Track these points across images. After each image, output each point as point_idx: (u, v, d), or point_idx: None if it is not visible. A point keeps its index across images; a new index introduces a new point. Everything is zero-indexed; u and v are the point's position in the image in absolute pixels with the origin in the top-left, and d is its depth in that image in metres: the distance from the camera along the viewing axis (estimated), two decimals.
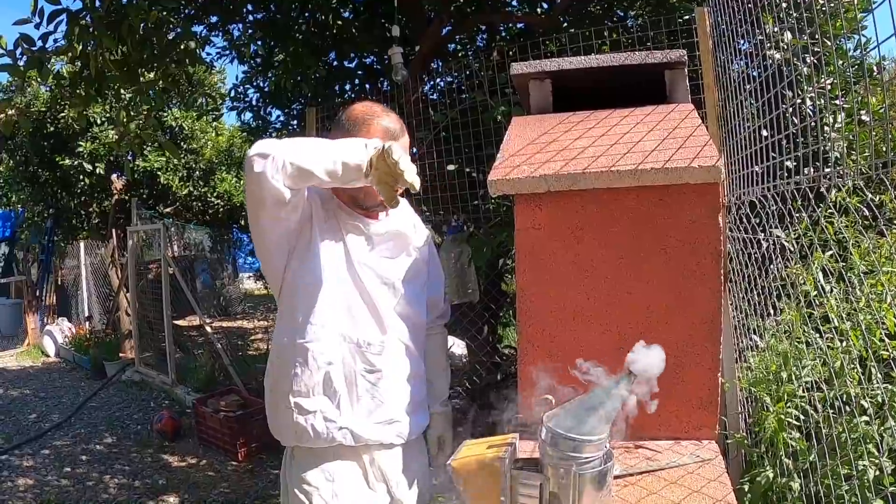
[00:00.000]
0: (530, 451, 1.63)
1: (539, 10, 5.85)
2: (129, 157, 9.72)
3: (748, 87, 2.60)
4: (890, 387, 1.89)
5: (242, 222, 12.32)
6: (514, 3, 6.04)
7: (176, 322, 7.75)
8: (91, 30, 3.74)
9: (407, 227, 1.99)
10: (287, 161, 1.60)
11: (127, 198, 9.62)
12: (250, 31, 5.71)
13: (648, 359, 1.31)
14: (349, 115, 1.91)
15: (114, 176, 10.05)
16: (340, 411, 1.80)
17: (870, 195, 1.91)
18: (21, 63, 3.70)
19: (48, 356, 9.73)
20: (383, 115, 1.90)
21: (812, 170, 2.16)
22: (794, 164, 2.30)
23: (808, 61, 2.37)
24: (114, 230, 9.60)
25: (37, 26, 3.69)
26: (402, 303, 1.92)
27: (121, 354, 8.64)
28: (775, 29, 2.60)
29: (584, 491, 1.28)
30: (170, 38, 4.13)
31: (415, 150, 4.08)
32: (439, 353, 2.15)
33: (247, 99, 6.30)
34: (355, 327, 1.83)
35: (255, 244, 1.88)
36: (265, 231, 1.80)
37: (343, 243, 1.86)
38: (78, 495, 4.65)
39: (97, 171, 9.61)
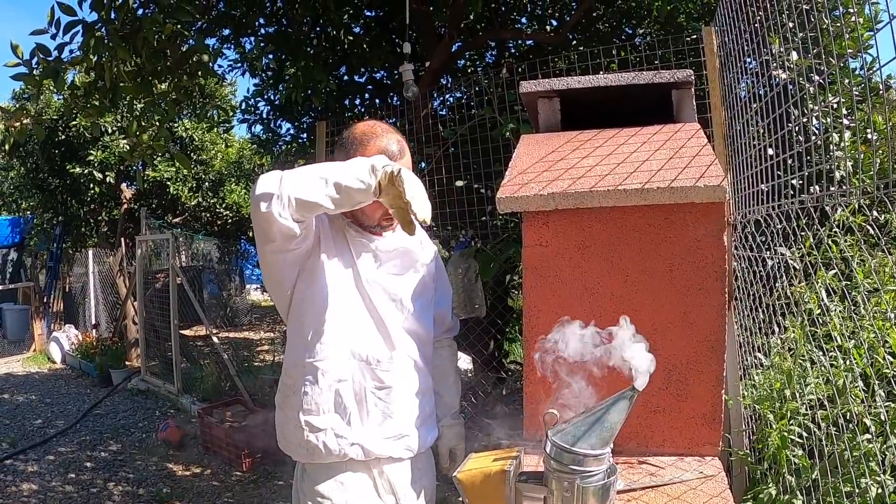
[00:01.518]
0: (535, 464, 1.65)
1: (548, 27, 5.91)
2: (140, 167, 9.81)
3: (755, 106, 2.62)
4: (892, 405, 1.90)
5: (250, 234, 12.39)
6: (524, 20, 6.10)
7: (182, 332, 7.78)
8: (106, 41, 3.80)
9: (414, 243, 1.99)
10: (292, 197, 1.59)
11: (136, 207, 9.71)
12: (262, 44, 5.78)
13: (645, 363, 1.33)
14: (351, 133, 1.91)
15: (123, 185, 10.13)
16: (351, 427, 1.82)
17: (875, 213, 1.93)
18: (37, 72, 3.76)
19: (54, 362, 9.77)
20: (382, 135, 1.87)
21: (818, 188, 2.18)
22: (800, 182, 2.32)
23: (815, 80, 2.40)
24: (122, 239, 9.67)
25: (53, 37, 3.75)
26: (409, 319, 1.93)
27: (127, 362, 8.68)
28: (781, 49, 2.63)
29: None
30: (183, 50, 4.19)
31: (423, 164, 4.12)
32: (448, 366, 2.16)
33: (257, 111, 6.37)
34: (364, 344, 1.85)
35: (262, 272, 1.89)
36: (275, 262, 1.80)
37: (351, 260, 1.87)
38: (82, 502, 4.67)
39: (107, 179, 9.69)
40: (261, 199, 1.61)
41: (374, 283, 1.88)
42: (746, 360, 2.64)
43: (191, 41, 4.36)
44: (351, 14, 5.58)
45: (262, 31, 5.74)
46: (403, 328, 1.91)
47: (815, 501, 1.91)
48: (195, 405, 6.64)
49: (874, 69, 2.57)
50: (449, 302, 2.17)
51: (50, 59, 3.76)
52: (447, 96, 5.49)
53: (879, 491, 1.76)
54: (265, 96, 6.33)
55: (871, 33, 2.63)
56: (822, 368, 2.07)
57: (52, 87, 4.05)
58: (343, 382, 1.81)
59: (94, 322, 10.51)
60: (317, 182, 1.61)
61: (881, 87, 2.61)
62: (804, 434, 2.04)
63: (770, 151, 2.35)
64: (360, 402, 1.83)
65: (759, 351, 2.54)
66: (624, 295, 1.77)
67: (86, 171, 9.54)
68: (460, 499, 1.47)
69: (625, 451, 1.81)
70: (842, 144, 2.67)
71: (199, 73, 4.35)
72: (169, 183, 10.34)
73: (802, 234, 2.13)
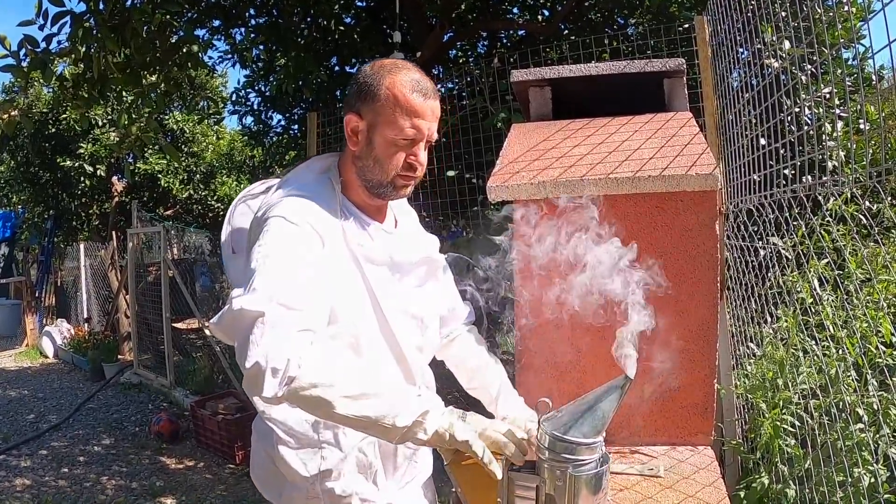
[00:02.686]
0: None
1: (540, 17, 5.89)
2: (130, 160, 9.76)
3: (747, 95, 2.62)
4: (885, 394, 1.90)
5: None
6: (516, 10, 6.08)
7: (175, 325, 7.74)
8: (94, 32, 3.77)
9: (429, 243, 1.73)
10: (306, 405, 1.26)
11: (127, 200, 9.65)
12: (252, 35, 5.75)
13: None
14: (375, 64, 1.51)
15: (114, 178, 10.08)
16: (378, 487, 1.59)
17: (867, 203, 1.93)
18: (24, 64, 3.73)
19: (47, 357, 9.72)
20: (413, 69, 1.52)
21: (809, 178, 2.18)
22: (792, 172, 2.31)
23: (808, 69, 2.39)
24: (114, 232, 9.61)
25: (41, 28, 3.72)
26: (425, 337, 1.66)
27: (119, 356, 8.65)
28: (774, 38, 2.62)
29: (580, 493, 1.29)
30: (172, 41, 4.16)
31: None
32: (481, 349, 1.83)
33: (248, 103, 6.35)
34: None
35: None
36: None
37: (368, 294, 1.52)
38: (75, 496, 4.65)
39: (98, 172, 9.64)
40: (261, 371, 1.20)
41: (392, 305, 1.55)
42: (739, 349, 2.64)
43: (180, 32, 4.33)
44: (342, 4, 5.55)
45: (253, 21, 5.71)
46: (418, 349, 1.63)
47: (807, 491, 1.92)
48: (188, 398, 6.62)
49: (867, 58, 2.56)
50: (456, 292, 1.85)
51: (38, 50, 3.73)
52: (438, 86, 5.46)
53: (872, 480, 1.76)
54: (256, 87, 6.32)
55: (864, 23, 2.63)
56: (815, 358, 2.07)
57: (41, 80, 4.01)
58: (366, 440, 1.55)
59: (86, 316, 10.46)
60: (344, 407, 1.25)
61: (874, 77, 2.60)
62: (797, 423, 2.04)
63: (762, 141, 2.34)
64: (387, 458, 1.61)
65: (752, 340, 2.54)
66: None
67: (76, 164, 9.49)
68: (453, 489, 1.46)
69: (617, 440, 1.81)
70: (834, 134, 2.66)
71: (189, 64, 4.32)
72: (160, 175, 10.29)
73: (795, 223, 2.12)
